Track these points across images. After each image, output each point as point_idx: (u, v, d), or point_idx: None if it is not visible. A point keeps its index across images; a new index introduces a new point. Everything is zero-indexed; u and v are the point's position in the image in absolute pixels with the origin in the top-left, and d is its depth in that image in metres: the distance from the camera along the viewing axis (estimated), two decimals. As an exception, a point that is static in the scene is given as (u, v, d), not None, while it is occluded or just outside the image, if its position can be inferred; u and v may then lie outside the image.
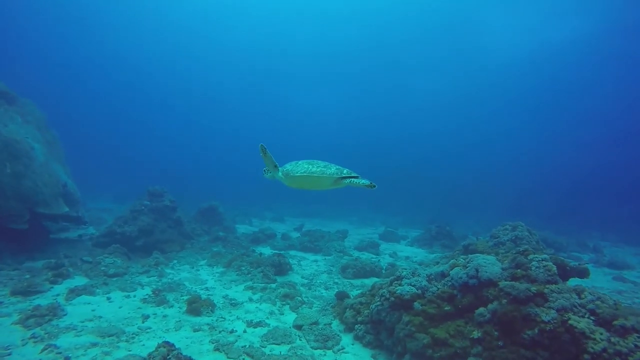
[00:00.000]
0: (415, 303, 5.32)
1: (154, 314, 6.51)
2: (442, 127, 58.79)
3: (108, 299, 7.17)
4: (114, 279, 8.33)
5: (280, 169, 4.10)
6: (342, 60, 52.99)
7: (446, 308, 5.12)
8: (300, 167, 3.85)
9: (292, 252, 12.65)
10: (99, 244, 10.88)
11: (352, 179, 3.69)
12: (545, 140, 52.87)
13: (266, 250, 12.56)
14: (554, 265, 4.81)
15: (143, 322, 6.12)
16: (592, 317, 4.23)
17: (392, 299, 5.52)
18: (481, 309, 4.86)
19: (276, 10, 47.62)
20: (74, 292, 7.21)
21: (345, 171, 3.73)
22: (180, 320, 6.26)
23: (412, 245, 15.96)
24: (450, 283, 5.43)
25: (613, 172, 45.32)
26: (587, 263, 12.11)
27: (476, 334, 4.69)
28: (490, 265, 5.16)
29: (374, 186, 3.75)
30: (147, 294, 7.52)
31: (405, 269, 6.03)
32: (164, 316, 6.45)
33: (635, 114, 44.00)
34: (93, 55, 52.07)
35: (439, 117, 58.35)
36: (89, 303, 6.86)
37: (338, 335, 5.95)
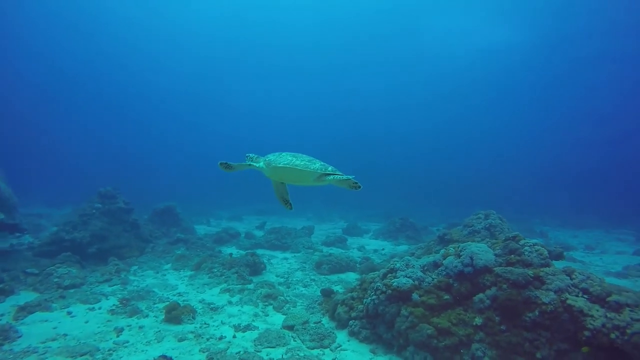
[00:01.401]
0: (413, 294, 5.29)
1: (128, 326, 5.89)
2: (391, 124, 60.63)
3: (69, 313, 6.39)
4: (71, 290, 7.46)
5: (262, 158, 3.87)
6: (295, 57, 52.68)
7: (445, 297, 5.15)
8: (284, 159, 3.64)
9: (260, 251, 12.21)
10: (43, 254, 9.72)
11: (336, 176, 3.50)
12: (488, 135, 56.50)
13: (232, 250, 12.06)
14: (545, 249, 5.00)
15: (118, 336, 5.50)
16: (585, 296, 4.45)
17: (389, 291, 5.45)
18: (480, 295, 4.94)
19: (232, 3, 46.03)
20: (25, 310, 6.33)
21: (330, 168, 3.55)
22: (160, 331, 5.72)
23: (377, 238, 16.19)
24: (445, 272, 5.47)
25: (551, 165, 49.50)
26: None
27: (478, 320, 4.76)
28: (483, 252, 5.27)
29: (359, 187, 3.59)
30: (113, 305, 6.83)
31: (398, 261, 5.99)
32: (140, 327, 5.87)
33: (564, 115, 48.67)
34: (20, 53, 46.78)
35: (387, 114, 60.13)
36: (46, 320, 6.06)
37: (333, 333, 5.78)
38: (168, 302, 6.79)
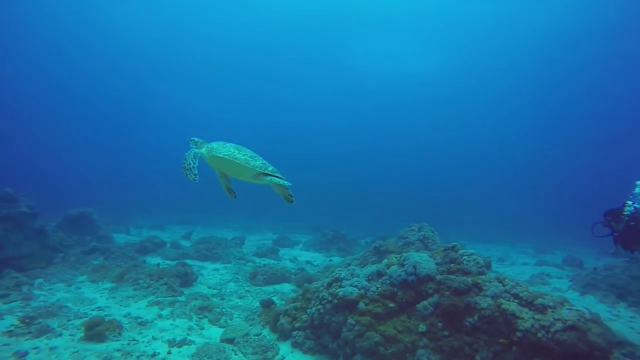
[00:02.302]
0: (360, 303, 5.34)
1: (34, 349, 5.04)
2: (318, 139, 61.69)
3: (-52, 340, 5.31)
4: (-47, 309, 6.26)
5: (206, 145, 3.78)
6: (229, 60, 51.44)
7: (390, 305, 5.28)
8: (226, 149, 3.60)
9: (188, 262, 11.45)
10: None
11: (274, 177, 3.54)
12: (411, 153, 60.03)
13: (157, 261, 11.17)
14: (480, 259, 5.41)
15: (22, 361, 4.70)
16: (516, 300, 4.88)
17: (336, 301, 5.44)
18: (424, 303, 5.16)
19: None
20: None
21: (270, 168, 3.57)
22: (78, 351, 5.00)
23: (308, 249, 16.19)
24: (389, 281, 5.62)
25: (463, 183, 54.15)
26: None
27: (422, 327, 4.95)
28: (426, 261, 5.53)
29: (292, 201, 3.69)
30: (12, 325, 5.78)
31: (342, 270, 6.02)
32: (52, 349, 5.06)
33: (485, 137, 54.05)
34: None
35: (314, 130, 61.23)
36: None
37: (275, 345, 5.58)
38: (87, 318, 6.02)
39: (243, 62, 52.00)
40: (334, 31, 45.87)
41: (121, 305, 7.09)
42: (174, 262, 10.10)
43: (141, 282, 8.07)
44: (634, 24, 29.10)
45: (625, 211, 5.89)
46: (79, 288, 8.06)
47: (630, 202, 6.06)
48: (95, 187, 37.94)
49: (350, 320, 5.19)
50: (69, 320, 6.07)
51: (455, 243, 5.82)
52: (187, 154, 3.73)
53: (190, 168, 3.62)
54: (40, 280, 8.36)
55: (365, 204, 40.23)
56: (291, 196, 3.67)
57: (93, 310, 6.70)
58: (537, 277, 11.08)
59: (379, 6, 41.43)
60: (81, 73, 50.22)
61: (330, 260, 12.18)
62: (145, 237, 13.57)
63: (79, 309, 6.68)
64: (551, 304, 4.66)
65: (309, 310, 5.83)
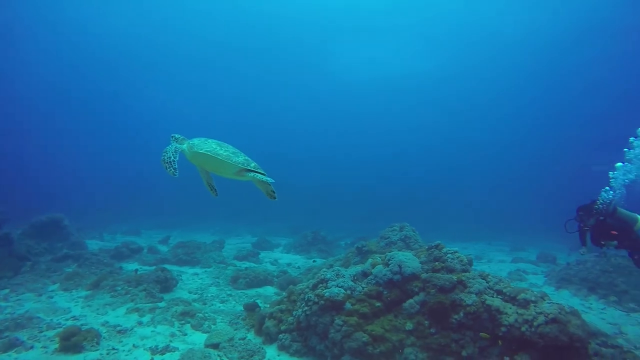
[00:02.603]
0: (346, 303, 5.33)
1: (4, 363, 4.80)
2: (295, 141, 61.46)
3: None
4: None
5: (187, 141, 3.72)
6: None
7: (377, 305, 5.30)
8: (208, 145, 3.55)
9: (167, 267, 11.16)
10: None
11: (257, 174, 3.53)
12: (391, 156, 60.67)
13: (135, 266, 10.81)
14: (464, 257, 5.50)
15: (-10, 376, 4.44)
16: (499, 296, 4.99)
17: (322, 302, 5.40)
18: (410, 301, 5.20)
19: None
20: None
21: (252, 165, 3.56)
22: (53, 363, 4.78)
23: (288, 252, 16.09)
24: (375, 281, 5.64)
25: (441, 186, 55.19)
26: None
27: (409, 325, 4.99)
28: (410, 260, 5.58)
29: (274, 197, 3.69)
30: (-26, 341, 5.47)
31: (327, 271, 5.99)
32: (24, 362, 4.82)
33: (463, 140, 55.30)
34: None
35: (291, 132, 61.01)
36: None
37: (262, 348, 5.49)
38: (61, 329, 5.74)
39: (224, 63, 51.14)
40: (314, 34, 45.87)
41: (98, 314, 6.81)
42: (153, 268, 9.79)
43: (119, 288, 7.79)
44: (634, 24, 29.68)
45: (597, 204, 6.04)
46: (51, 297, 7.70)
47: (605, 194, 6.21)
48: (65, 192, 36.40)
49: (337, 321, 5.16)
50: (41, 332, 5.78)
51: (439, 242, 5.90)
52: (167, 147, 3.65)
53: (170, 162, 3.54)
54: (6, 291, 7.93)
55: (343, 205, 40.29)
56: (274, 192, 3.66)
57: (67, 320, 6.40)
58: (514, 274, 11.40)
59: (359, 11, 41.69)
60: (57, 71, 47.99)
61: (314, 261, 12.13)
62: (121, 243, 13.12)
63: (51, 320, 6.36)
64: (533, 298, 4.79)
65: (294, 313, 5.77)
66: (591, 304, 8.64)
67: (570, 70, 38.40)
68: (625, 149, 6.85)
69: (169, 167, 3.51)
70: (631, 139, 6.88)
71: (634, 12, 29.25)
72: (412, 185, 52.41)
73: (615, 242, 5.85)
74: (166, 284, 8.38)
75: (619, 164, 6.73)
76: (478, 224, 29.25)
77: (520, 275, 11.42)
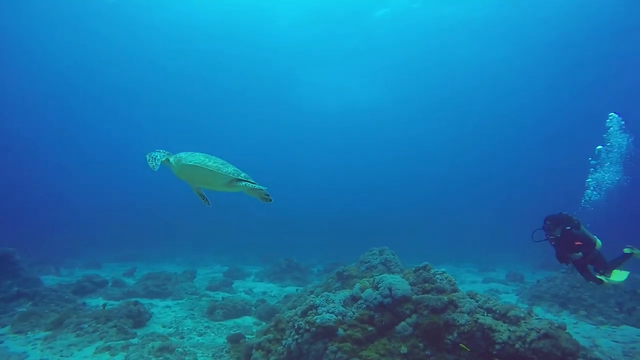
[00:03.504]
0: (338, 329, 5.19)
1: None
2: (259, 169, 61.13)
3: None
4: None
5: (173, 155, 3.63)
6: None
7: (369, 329, 5.20)
8: (196, 158, 3.50)
9: (135, 300, 10.51)
10: None
11: (249, 183, 3.53)
12: (346, 180, 61.56)
13: (100, 301, 10.08)
14: (452, 277, 5.57)
15: None
16: (490, 314, 5.06)
17: (313, 329, 5.23)
18: (402, 324, 5.16)
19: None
20: None
21: (243, 174, 3.56)
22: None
23: (262, 280, 15.63)
24: (365, 305, 5.56)
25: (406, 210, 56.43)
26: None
27: (404, 348, 4.92)
28: (400, 282, 5.58)
29: (270, 200, 3.72)
30: None
31: (317, 298, 5.85)
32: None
33: (418, 166, 57.13)
34: None
35: (257, 161, 60.93)
36: None
37: (251, 383, 5.20)
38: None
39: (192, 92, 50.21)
40: (280, 64, 46.39)
41: (62, 356, 6.25)
42: (120, 302, 9.18)
43: (85, 326, 7.18)
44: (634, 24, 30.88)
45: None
46: (1, 342, 6.94)
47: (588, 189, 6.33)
48: (11, 224, 33.66)
49: (331, 348, 5.01)
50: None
51: (427, 263, 5.95)
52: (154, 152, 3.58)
53: (155, 158, 3.47)
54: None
55: (310, 232, 40.12)
56: (268, 196, 3.65)
57: (26, 366, 5.80)
58: (488, 294, 11.66)
59: (326, 43, 42.85)
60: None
61: (297, 290, 11.82)
62: (83, 277, 12.21)
63: (8, 366, 5.74)
64: (522, 315, 4.91)
65: (284, 342, 5.54)
66: (564, 319, 8.96)
67: (528, 102, 40.84)
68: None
69: (152, 161, 3.42)
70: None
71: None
72: (377, 211, 53.20)
73: (580, 254, 5.85)
74: (139, 318, 7.86)
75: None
76: (443, 246, 29.94)
77: (494, 294, 11.71)
